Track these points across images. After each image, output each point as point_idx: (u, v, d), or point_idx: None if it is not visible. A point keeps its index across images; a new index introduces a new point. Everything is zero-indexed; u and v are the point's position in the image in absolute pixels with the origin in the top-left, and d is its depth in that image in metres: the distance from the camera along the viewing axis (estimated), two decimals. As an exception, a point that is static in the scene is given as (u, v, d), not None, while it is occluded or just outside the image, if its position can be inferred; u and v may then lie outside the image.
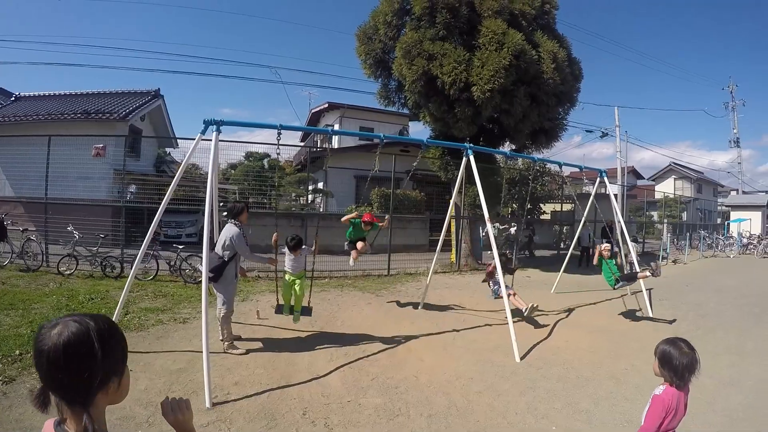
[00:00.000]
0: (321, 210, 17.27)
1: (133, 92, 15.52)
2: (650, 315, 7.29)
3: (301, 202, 16.85)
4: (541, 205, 18.38)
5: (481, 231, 17.70)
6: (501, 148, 12.21)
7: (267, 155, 17.22)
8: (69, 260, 8.40)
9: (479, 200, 11.56)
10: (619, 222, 8.07)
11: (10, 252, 8.79)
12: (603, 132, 20.49)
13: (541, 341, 5.78)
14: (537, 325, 6.61)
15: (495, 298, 6.92)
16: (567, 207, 19.56)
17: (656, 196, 28.35)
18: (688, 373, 2.00)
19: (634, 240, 12.92)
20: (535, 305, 6.52)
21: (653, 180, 38.59)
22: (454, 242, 12.35)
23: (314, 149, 19.47)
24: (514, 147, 12.48)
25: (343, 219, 6.64)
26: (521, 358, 4.99)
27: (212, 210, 5.06)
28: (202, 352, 4.70)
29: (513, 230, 15.79)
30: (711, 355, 5.20)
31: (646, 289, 9.20)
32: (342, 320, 6.65)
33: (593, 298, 8.70)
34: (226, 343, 5.13)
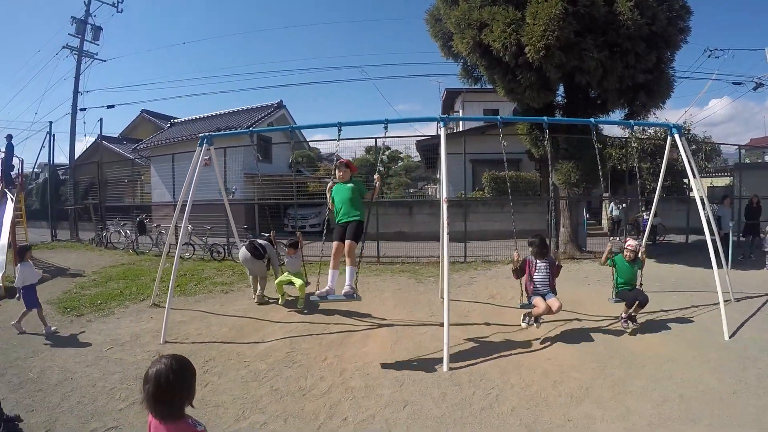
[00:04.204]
0: (431, 196, 17.97)
1: (259, 107, 19.35)
2: (725, 338, 5.27)
3: (417, 189, 17.82)
4: (686, 181, 14.96)
5: (606, 212, 15.58)
6: (606, 116, 10.83)
7: (388, 148, 18.66)
8: (187, 247, 11.27)
9: (574, 177, 10.63)
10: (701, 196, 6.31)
11: (150, 242, 12.42)
12: (757, 83, 15.53)
13: (514, 354, 4.90)
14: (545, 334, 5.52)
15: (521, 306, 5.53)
16: (724, 182, 15.48)
17: None
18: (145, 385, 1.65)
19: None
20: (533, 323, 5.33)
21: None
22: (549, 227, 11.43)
23: (424, 137, 20.05)
24: (627, 112, 10.81)
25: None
26: (451, 369, 4.47)
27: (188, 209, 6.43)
28: (208, 312, 6.72)
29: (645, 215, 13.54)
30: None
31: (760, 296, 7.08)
32: (349, 303, 7.12)
33: (674, 304, 6.82)
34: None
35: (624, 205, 13.23)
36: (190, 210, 6.45)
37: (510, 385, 4.16)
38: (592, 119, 6.22)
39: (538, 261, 5.22)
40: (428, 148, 19.06)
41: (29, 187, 20.36)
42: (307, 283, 6.84)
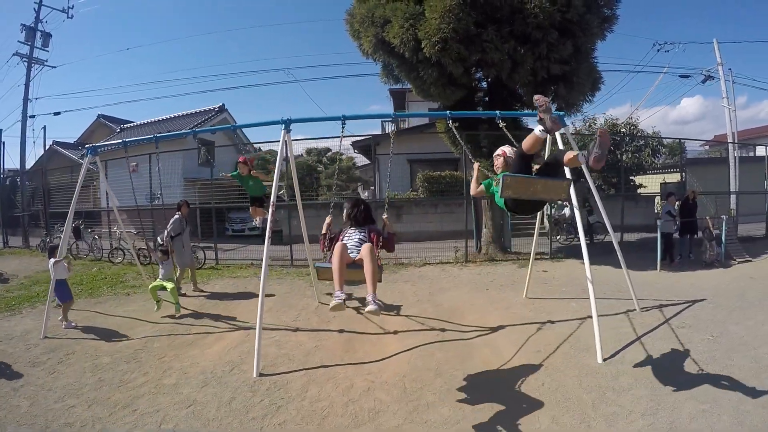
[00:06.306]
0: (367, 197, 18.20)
1: (201, 111, 19.89)
2: (598, 361, 4.60)
3: (354, 191, 18.05)
4: (633, 178, 15.16)
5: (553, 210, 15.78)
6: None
7: (329, 149, 18.97)
8: (117, 252, 11.74)
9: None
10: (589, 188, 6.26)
11: (87, 247, 13.03)
12: (705, 75, 15.68)
13: (339, 365, 4.92)
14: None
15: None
16: (676, 177, 15.72)
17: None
18: None
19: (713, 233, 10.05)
20: None
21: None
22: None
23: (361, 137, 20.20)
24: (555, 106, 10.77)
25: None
26: (261, 376, 4.60)
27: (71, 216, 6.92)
28: (100, 313, 7.29)
29: (567, 211, 13.82)
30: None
31: (685, 301, 6.44)
32: (228, 307, 7.49)
33: (568, 314, 6.38)
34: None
35: (559, 202, 13.44)
36: (72, 218, 6.94)
37: (303, 397, 4.17)
38: (447, 112, 6.13)
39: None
40: (366, 149, 19.14)
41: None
42: (179, 289, 7.15)
